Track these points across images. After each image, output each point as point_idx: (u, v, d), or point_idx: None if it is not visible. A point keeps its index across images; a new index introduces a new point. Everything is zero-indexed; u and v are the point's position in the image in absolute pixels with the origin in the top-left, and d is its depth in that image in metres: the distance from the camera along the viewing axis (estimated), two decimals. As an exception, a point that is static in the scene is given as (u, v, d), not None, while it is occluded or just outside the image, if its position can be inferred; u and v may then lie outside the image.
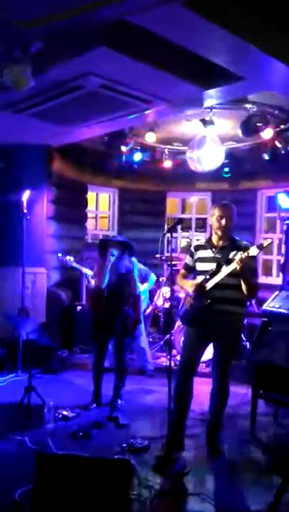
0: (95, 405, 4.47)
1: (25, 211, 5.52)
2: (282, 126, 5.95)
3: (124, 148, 6.61)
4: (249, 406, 3.98)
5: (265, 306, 4.71)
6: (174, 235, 7.71)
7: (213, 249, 3.53)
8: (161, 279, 6.99)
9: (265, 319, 4.33)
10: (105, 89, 4.20)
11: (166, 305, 6.77)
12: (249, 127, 5.57)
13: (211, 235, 3.63)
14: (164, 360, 5.98)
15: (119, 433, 3.92)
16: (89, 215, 7.86)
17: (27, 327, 4.99)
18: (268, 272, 7.88)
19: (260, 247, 3.23)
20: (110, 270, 4.37)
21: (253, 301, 6.18)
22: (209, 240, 3.61)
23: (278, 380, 3.86)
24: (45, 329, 5.94)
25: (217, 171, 6.54)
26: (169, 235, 3.68)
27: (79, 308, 6.59)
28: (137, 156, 6.96)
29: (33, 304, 6.15)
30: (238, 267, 3.25)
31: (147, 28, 3.18)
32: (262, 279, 6.95)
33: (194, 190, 8.36)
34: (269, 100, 5.31)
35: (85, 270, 4.88)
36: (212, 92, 4.34)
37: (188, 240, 8.93)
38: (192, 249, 3.70)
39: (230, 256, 3.40)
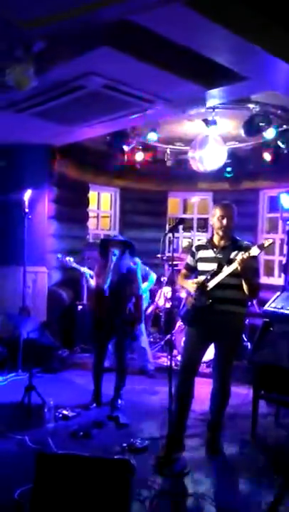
0: (95, 405, 4.46)
1: (26, 210, 5.52)
2: (284, 126, 5.94)
3: (126, 148, 6.60)
4: (250, 406, 3.97)
5: (266, 307, 4.70)
6: (176, 234, 7.77)
7: (215, 250, 3.52)
8: (162, 279, 6.99)
9: (267, 320, 4.32)
10: (107, 89, 4.20)
11: (168, 305, 6.76)
12: (252, 127, 5.56)
13: (213, 235, 3.63)
14: (164, 360, 5.98)
15: (120, 433, 3.92)
16: (90, 214, 7.85)
17: (28, 326, 4.99)
18: (269, 273, 7.87)
19: (261, 247, 3.23)
20: (112, 270, 4.36)
21: (255, 302, 6.18)
22: (210, 240, 3.61)
23: (280, 380, 3.85)
24: (46, 328, 5.94)
25: (219, 170, 6.53)
26: (170, 234, 3.68)
27: (80, 307, 6.59)
28: (139, 156, 6.96)
29: (34, 303, 6.15)
30: (239, 267, 3.25)
31: (150, 27, 3.18)
32: (264, 280, 6.94)
33: (196, 190, 8.35)
34: (272, 100, 5.31)
35: (84, 269, 4.88)
36: (215, 91, 4.34)
37: (190, 240, 8.93)
38: (193, 249, 3.70)
39: (232, 256, 3.40)
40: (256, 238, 7.59)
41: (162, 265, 7.21)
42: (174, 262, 3.80)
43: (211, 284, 3.40)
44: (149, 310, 6.80)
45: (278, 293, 4.91)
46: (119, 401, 4.47)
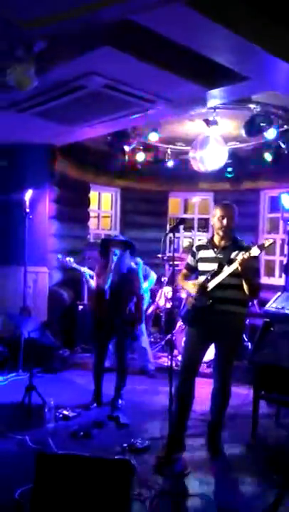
0: (95, 405, 4.46)
1: (27, 210, 5.53)
2: (285, 127, 5.94)
3: (127, 148, 6.60)
4: (250, 407, 3.96)
5: (267, 307, 4.70)
6: (177, 234, 7.76)
7: (215, 250, 3.52)
8: (163, 279, 6.99)
9: (267, 320, 4.32)
10: (108, 89, 4.20)
11: (168, 305, 6.76)
12: (253, 127, 5.56)
13: (213, 235, 3.63)
14: (165, 360, 5.97)
15: (120, 433, 3.92)
16: (91, 214, 7.86)
17: (28, 326, 4.98)
18: (270, 273, 7.87)
19: (262, 247, 3.22)
20: (113, 270, 4.36)
21: (255, 302, 6.18)
22: (211, 240, 3.61)
23: (280, 380, 3.85)
24: (47, 328, 5.94)
25: (220, 171, 6.53)
26: (171, 234, 3.68)
27: (80, 307, 6.59)
28: (140, 156, 6.96)
29: (35, 303, 6.15)
30: (239, 268, 3.24)
31: (150, 27, 3.18)
32: (264, 280, 6.95)
33: (197, 190, 8.35)
34: (273, 100, 5.30)
35: (84, 270, 4.88)
36: (215, 92, 4.33)
37: (191, 240, 8.93)
38: (194, 249, 3.70)
39: (232, 256, 3.39)
40: (257, 238, 7.58)
41: (163, 265, 7.22)
42: (175, 262, 3.79)
43: (212, 284, 3.40)
44: (150, 310, 6.80)
45: (279, 293, 4.92)
46: (120, 401, 4.47)
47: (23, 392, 4.17)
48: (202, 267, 3.56)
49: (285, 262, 6.96)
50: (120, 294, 4.40)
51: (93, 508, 2.31)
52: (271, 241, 3.29)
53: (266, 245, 3.24)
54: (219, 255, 3.48)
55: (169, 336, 5.89)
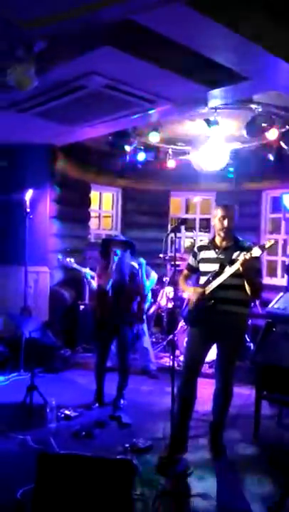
0: (97, 405, 4.46)
1: (28, 210, 5.52)
2: (287, 127, 5.93)
3: (127, 148, 6.60)
4: (253, 407, 3.96)
5: (269, 307, 4.69)
6: (178, 235, 7.75)
7: (217, 250, 3.51)
8: (164, 279, 6.98)
9: (270, 320, 4.32)
10: (109, 89, 4.20)
11: (170, 305, 6.75)
12: (254, 128, 5.55)
13: (215, 235, 3.62)
14: (167, 361, 5.96)
15: (122, 433, 3.92)
16: (92, 214, 7.85)
17: (29, 326, 4.99)
18: (272, 273, 7.85)
19: (263, 247, 3.22)
20: (114, 270, 4.36)
21: (257, 302, 6.17)
22: (212, 241, 3.60)
23: (282, 381, 3.84)
24: (48, 328, 5.94)
25: (222, 171, 6.52)
26: (172, 234, 3.67)
27: (82, 307, 6.59)
28: (141, 156, 6.95)
29: (36, 303, 6.15)
30: (241, 268, 3.24)
31: (151, 27, 3.17)
32: (266, 280, 6.94)
33: (198, 190, 8.33)
34: (274, 100, 5.29)
35: (85, 270, 4.87)
36: (217, 92, 4.33)
37: (192, 240, 8.91)
38: (195, 249, 3.69)
39: (234, 256, 3.39)
40: (259, 239, 7.57)
41: (164, 265, 7.20)
42: (176, 262, 3.79)
43: (213, 285, 3.39)
44: (152, 310, 6.79)
45: (281, 293, 4.90)
46: (122, 401, 4.47)
47: (25, 392, 4.18)
48: (203, 267, 3.56)
49: (287, 262, 6.96)
50: (122, 294, 4.39)
51: (95, 508, 2.31)
52: (273, 241, 3.29)
53: (267, 246, 3.24)
54: (221, 256, 3.47)
55: (170, 336, 5.89)
